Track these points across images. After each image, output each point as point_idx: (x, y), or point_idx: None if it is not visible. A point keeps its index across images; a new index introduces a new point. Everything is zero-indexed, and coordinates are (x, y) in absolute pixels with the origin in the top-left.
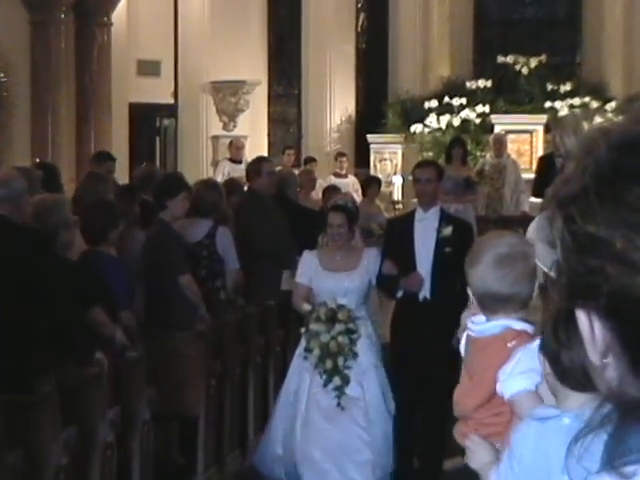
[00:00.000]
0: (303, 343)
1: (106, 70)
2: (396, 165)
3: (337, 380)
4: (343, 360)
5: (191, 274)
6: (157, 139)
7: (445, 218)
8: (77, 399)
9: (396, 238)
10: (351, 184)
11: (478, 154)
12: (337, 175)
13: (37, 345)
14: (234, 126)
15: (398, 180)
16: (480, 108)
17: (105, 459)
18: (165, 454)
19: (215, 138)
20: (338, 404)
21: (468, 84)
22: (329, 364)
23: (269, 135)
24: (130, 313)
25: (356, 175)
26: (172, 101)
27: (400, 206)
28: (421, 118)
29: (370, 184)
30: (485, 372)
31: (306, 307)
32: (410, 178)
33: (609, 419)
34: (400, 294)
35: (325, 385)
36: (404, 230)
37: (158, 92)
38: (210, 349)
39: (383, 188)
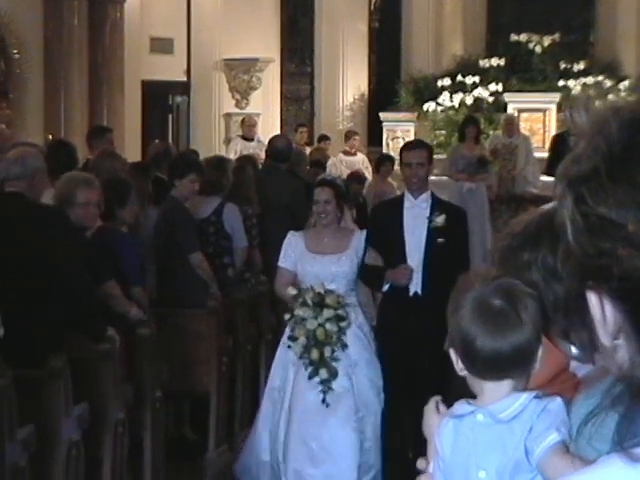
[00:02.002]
0: (287, 331)
1: (119, 47)
2: None
3: (323, 373)
4: (331, 351)
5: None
6: (170, 117)
7: (437, 205)
8: (89, 375)
9: (382, 226)
10: (361, 161)
11: (491, 133)
12: (346, 153)
13: (51, 321)
14: (247, 104)
15: None
16: (493, 86)
17: (117, 435)
18: (177, 431)
19: (227, 116)
20: (323, 400)
21: (481, 62)
22: (315, 354)
23: (282, 113)
24: (142, 290)
25: (369, 154)
26: (185, 79)
27: None
28: (434, 96)
29: (383, 162)
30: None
31: (291, 291)
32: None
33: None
34: (386, 287)
35: (310, 378)
36: (391, 218)
37: (171, 69)
38: (222, 326)
39: (397, 166)
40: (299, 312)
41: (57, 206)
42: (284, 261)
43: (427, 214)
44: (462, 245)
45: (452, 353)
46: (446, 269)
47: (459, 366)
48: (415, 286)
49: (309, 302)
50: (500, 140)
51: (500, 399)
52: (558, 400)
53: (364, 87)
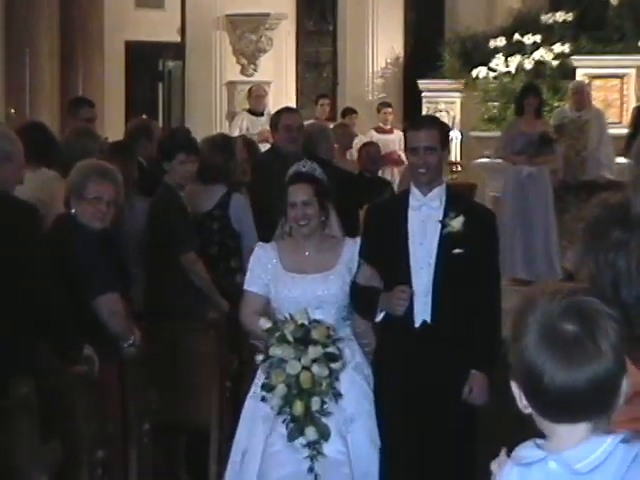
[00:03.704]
0: (260, 377)
1: (98, 0)
2: (454, 118)
3: (311, 433)
4: (320, 403)
5: (198, 253)
6: (160, 86)
7: (454, 204)
8: (60, 405)
9: (379, 234)
10: (397, 141)
11: (555, 104)
12: (380, 130)
13: (17, 337)
14: (254, 70)
15: (457, 136)
16: (558, 47)
17: (95, 478)
18: (169, 472)
19: (231, 85)
20: (311, 469)
21: (543, 18)
22: (299, 408)
23: (298, 81)
24: (114, 299)
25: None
26: (178, 39)
27: (459, 168)
28: (485, 60)
29: None
30: None
31: (264, 324)
32: (457, 135)
33: None
34: (380, 317)
35: (291, 439)
36: (392, 222)
37: (161, 28)
38: (225, 344)
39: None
40: (276, 352)
41: (30, 201)
42: (252, 283)
43: (440, 216)
44: (488, 258)
45: (514, 387)
46: (465, 291)
47: (523, 403)
48: (423, 313)
49: (289, 338)
50: (567, 114)
51: (577, 444)
52: None
53: (399, 49)
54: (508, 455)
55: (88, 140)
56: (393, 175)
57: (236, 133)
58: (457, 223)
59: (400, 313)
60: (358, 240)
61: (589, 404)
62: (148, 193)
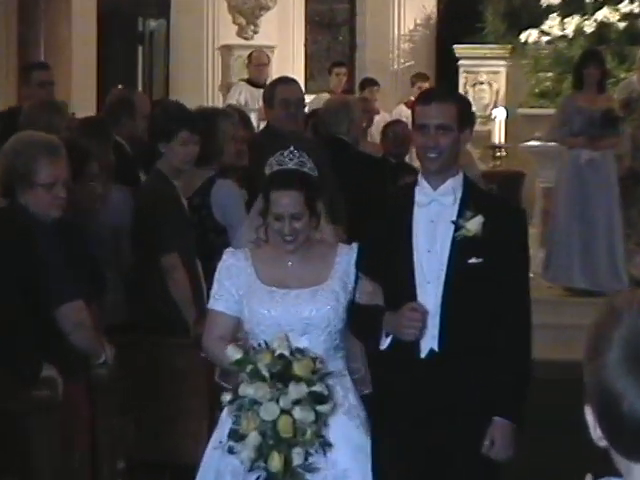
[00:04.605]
0: (227, 423)
1: None
2: (497, 92)
3: None
4: (303, 455)
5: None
6: (140, 49)
7: (472, 199)
8: (17, 436)
9: (379, 238)
10: None
11: (622, 76)
12: (410, 105)
13: None
14: (254, 32)
15: (501, 114)
16: (626, 6)
17: None
18: None
19: (226, 49)
20: None
21: None
22: (276, 462)
23: (307, 45)
24: (78, 308)
25: None
26: None
27: (503, 153)
28: (536, 22)
29: None
30: None
31: (233, 353)
32: (501, 113)
33: None
34: (387, 343)
35: None
36: (393, 222)
37: None
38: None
39: (478, 126)
40: (248, 390)
41: None
42: (218, 300)
43: (454, 215)
44: (514, 270)
45: (588, 413)
46: (484, 312)
47: (597, 433)
48: (430, 340)
49: (264, 373)
50: (635, 87)
51: None
52: None
53: (430, 7)
54: None
55: (53, 114)
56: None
57: None
58: (475, 225)
59: (412, 338)
60: (354, 245)
61: None
62: (129, 182)
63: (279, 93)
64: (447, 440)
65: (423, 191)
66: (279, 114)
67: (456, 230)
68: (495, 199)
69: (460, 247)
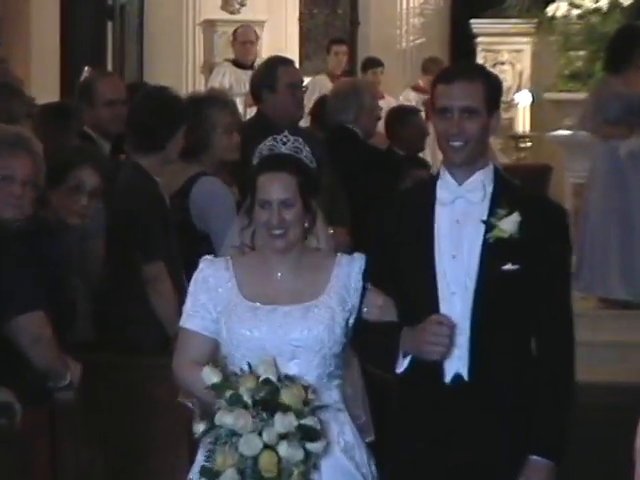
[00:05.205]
0: (199, 459)
1: None
2: (521, 74)
3: None
4: None
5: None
6: (109, 25)
7: (505, 195)
8: None
9: (393, 243)
10: None
11: None
12: (419, 90)
13: None
14: (241, 4)
15: (525, 99)
16: None
17: None
18: None
19: (209, 24)
20: None
21: None
22: None
23: (302, 20)
24: (36, 320)
25: None
26: None
27: (527, 144)
28: None
29: None
30: None
31: (209, 376)
32: (526, 98)
33: None
34: (405, 365)
35: None
36: (411, 224)
37: None
38: None
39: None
40: (225, 420)
41: None
42: (192, 316)
43: (484, 214)
44: (556, 278)
45: None
46: (520, 328)
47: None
48: (457, 363)
49: (246, 399)
50: None
51: None
52: None
53: None
54: None
55: (11, 99)
56: (436, 156)
57: None
58: (510, 224)
59: (438, 357)
60: (358, 257)
61: None
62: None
63: (284, 75)
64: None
65: (446, 186)
66: (286, 100)
67: (487, 231)
68: (531, 195)
69: (492, 251)
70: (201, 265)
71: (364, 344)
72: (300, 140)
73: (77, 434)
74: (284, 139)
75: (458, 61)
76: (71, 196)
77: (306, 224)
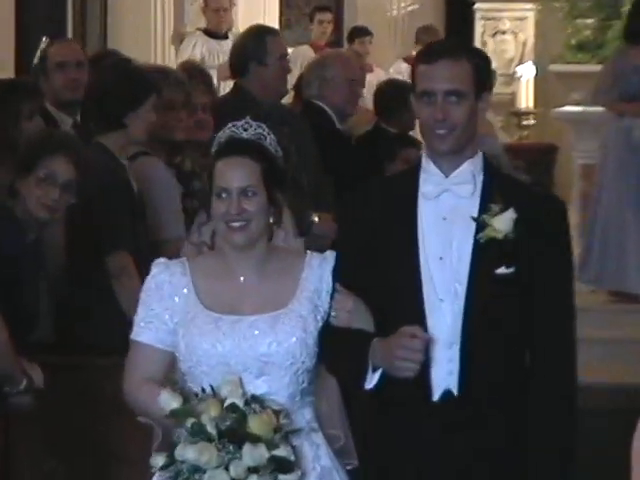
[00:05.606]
0: None
1: None
2: (524, 44)
3: None
4: None
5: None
6: None
7: (498, 187)
8: None
9: (368, 240)
10: None
11: None
12: (412, 61)
13: None
14: None
15: (528, 72)
16: None
17: None
18: None
19: None
20: None
21: None
22: None
23: None
24: None
25: None
26: None
27: (531, 121)
28: None
29: None
30: None
31: (167, 402)
32: (529, 70)
33: None
34: (373, 382)
35: None
36: (390, 220)
37: None
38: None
39: (499, 87)
40: (187, 455)
41: None
42: (144, 328)
43: (474, 210)
44: (557, 282)
45: None
46: (517, 340)
47: None
48: (446, 378)
49: (211, 430)
50: None
51: None
52: None
53: None
54: None
55: None
56: None
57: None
58: (504, 222)
59: (409, 374)
60: (331, 256)
61: None
62: None
63: (274, 47)
64: None
65: (431, 179)
66: (276, 74)
67: (478, 230)
68: (527, 187)
69: (484, 252)
70: (154, 270)
71: (328, 353)
72: (263, 127)
73: (34, 443)
74: (245, 125)
75: (440, 41)
76: (41, 187)
77: (271, 219)
